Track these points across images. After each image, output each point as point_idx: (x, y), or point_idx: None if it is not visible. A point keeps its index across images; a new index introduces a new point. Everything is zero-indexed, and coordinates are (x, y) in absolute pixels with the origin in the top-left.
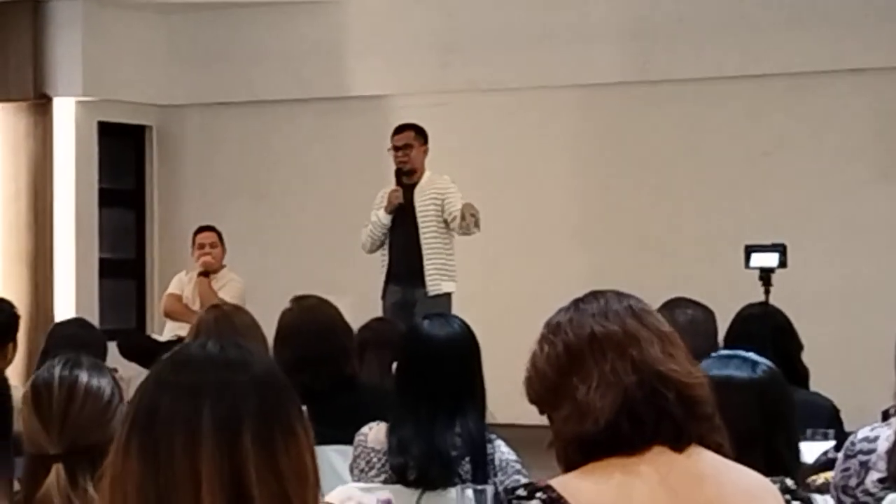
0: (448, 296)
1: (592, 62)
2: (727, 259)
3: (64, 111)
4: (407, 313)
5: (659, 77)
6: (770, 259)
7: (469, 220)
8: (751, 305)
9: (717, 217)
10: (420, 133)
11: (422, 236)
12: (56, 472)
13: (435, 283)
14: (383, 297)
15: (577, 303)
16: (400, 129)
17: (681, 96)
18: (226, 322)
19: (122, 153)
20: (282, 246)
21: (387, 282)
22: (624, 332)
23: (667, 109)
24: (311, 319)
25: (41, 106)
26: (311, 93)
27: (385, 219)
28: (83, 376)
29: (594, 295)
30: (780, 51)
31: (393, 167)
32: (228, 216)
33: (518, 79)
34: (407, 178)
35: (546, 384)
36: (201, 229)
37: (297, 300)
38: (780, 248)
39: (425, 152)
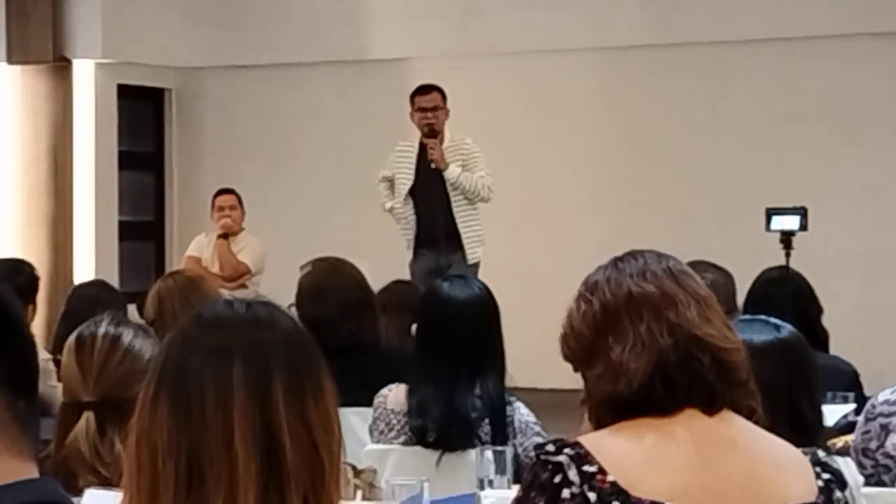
0: (478, 262)
1: (613, 25)
2: (747, 223)
3: (83, 74)
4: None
5: (679, 40)
6: (791, 222)
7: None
8: (771, 269)
9: (738, 180)
10: (443, 95)
11: (453, 202)
12: (86, 420)
13: (473, 251)
14: (412, 265)
15: (615, 261)
16: (426, 90)
17: (701, 59)
18: (192, 290)
19: (141, 116)
20: (301, 209)
21: (416, 248)
22: (661, 293)
23: (687, 72)
24: (331, 279)
25: (61, 68)
26: (331, 55)
27: (400, 206)
28: (127, 335)
29: (633, 254)
30: (801, 14)
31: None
32: (248, 179)
33: (538, 42)
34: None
35: (581, 342)
36: (221, 192)
37: (317, 261)
38: (801, 211)
39: (447, 114)
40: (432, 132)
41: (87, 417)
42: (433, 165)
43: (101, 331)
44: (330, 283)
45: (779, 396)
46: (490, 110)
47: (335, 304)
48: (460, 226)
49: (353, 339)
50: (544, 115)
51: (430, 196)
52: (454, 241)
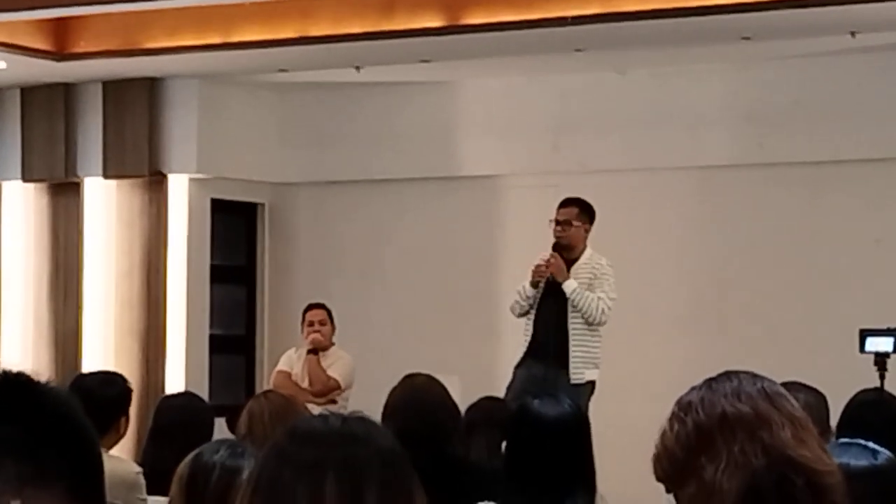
0: (591, 384)
1: (705, 144)
2: (841, 344)
3: (178, 188)
4: (539, 388)
5: (772, 160)
6: (885, 343)
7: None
8: (865, 391)
9: (831, 302)
10: (585, 211)
11: (570, 317)
12: None
13: (578, 372)
14: (516, 369)
15: (709, 382)
16: (565, 203)
17: (794, 180)
18: (284, 409)
19: (234, 230)
20: (391, 324)
21: (527, 355)
22: (755, 414)
23: (780, 193)
24: (416, 397)
25: (156, 183)
26: (423, 172)
27: (529, 291)
28: (247, 468)
29: (727, 375)
30: (894, 135)
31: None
32: (338, 294)
33: (629, 160)
34: (566, 253)
35: (674, 462)
36: (311, 307)
37: (407, 378)
38: (895, 333)
39: (587, 231)
40: (557, 245)
41: None
42: (551, 277)
43: (219, 464)
44: (415, 400)
45: None
46: None
47: (416, 421)
48: (571, 344)
49: (434, 458)
50: (635, 233)
51: (552, 310)
52: (562, 358)
